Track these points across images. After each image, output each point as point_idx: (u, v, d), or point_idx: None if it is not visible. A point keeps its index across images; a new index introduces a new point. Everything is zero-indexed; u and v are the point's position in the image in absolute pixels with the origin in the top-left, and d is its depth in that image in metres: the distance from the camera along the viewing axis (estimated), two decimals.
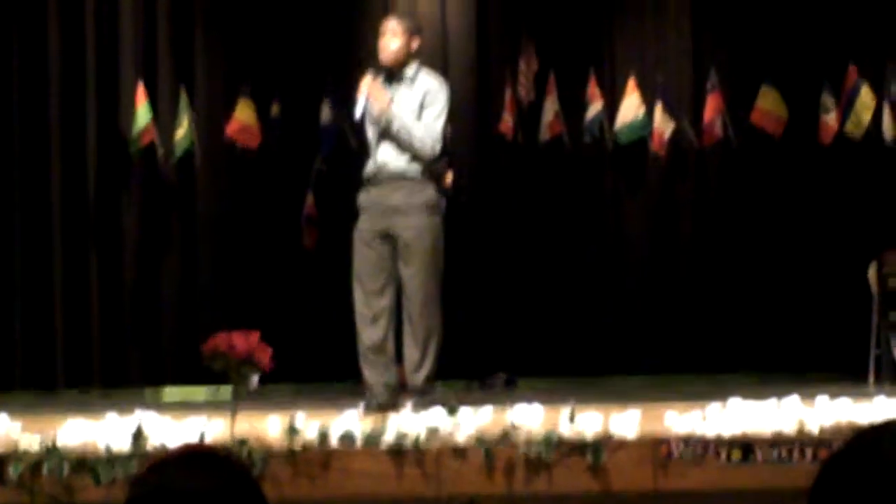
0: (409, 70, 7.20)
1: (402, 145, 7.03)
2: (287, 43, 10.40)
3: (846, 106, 10.20)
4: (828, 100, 10.21)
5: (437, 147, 7.12)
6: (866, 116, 10.14)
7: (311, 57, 10.36)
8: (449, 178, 7.32)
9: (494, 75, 10.52)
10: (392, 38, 7.15)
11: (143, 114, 10.18)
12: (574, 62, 10.47)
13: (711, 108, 10.33)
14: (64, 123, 10.36)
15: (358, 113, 7.11)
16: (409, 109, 7.09)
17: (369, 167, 7.17)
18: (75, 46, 10.42)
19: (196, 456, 2.33)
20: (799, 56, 10.34)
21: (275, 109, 10.30)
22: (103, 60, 10.43)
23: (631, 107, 10.33)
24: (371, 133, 7.20)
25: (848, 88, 10.20)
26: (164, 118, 10.32)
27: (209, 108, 10.46)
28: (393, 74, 7.18)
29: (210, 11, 10.54)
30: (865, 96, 10.13)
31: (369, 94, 7.05)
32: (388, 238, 7.07)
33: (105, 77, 10.42)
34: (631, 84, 10.34)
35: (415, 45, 7.22)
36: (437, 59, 10.30)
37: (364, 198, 7.19)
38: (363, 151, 7.36)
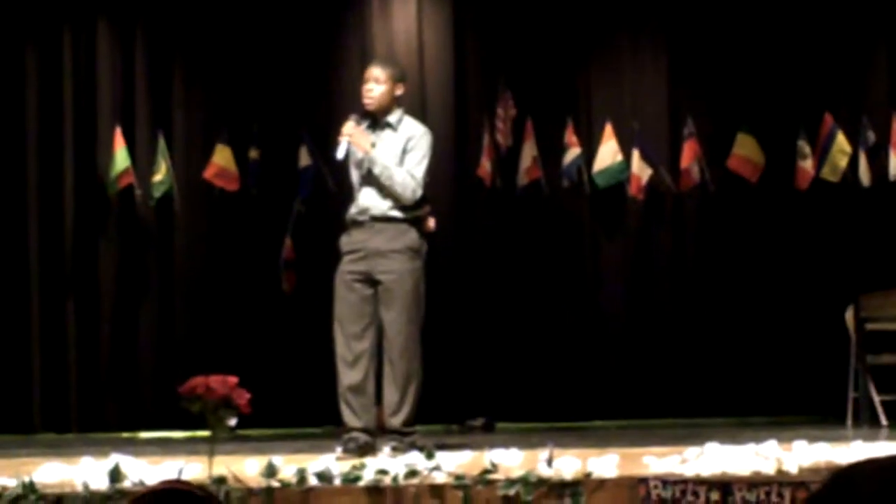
0: (393, 117, 7.22)
1: (384, 189, 7.05)
2: (264, 87, 10.43)
3: (822, 152, 10.27)
4: (804, 146, 10.28)
5: (419, 192, 7.15)
6: (842, 162, 10.21)
7: (289, 101, 10.39)
8: (431, 223, 7.33)
9: (472, 121, 10.56)
10: (376, 85, 7.18)
11: (121, 158, 10.19)
12: (551, 109, 10.52)
13: (688, 153, 10.39)
14: (41, 167, 10.36)
15: (340, 154, 7.14)
16: (391, 154, 7.11)
17: (352, 210, 7.18)
18: (53, 91, 10.42)
19: (174, 493, 2.30)
20: (775, 103, 10.42)
21: (253, 153, 10.32)
22: (81, 105, 10.44)
23: (608, 152, 10.38)
24: (354, 176, 7.22)
25: (824, 135, 10.27)
26: (141, 163, 10.32)
27: (187, 153, 10.47)
28: (377, 121, 7.21)
29: (187, 57, 10.56)
30: (841, 143, 10.21)
31: (351, 138, 7.07)
32: (370, 281, 7.08)
33: (83, 122, 10.42)
34: (608, 130, 10.39)
35: (398, 91, 7.25)
36: (415, 105, 10.33)
37: (346, 241, 7.20)
38: (344, 193, 7.36)
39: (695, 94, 10.62)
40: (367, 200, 7.10)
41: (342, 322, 7.10)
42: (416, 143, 7.18)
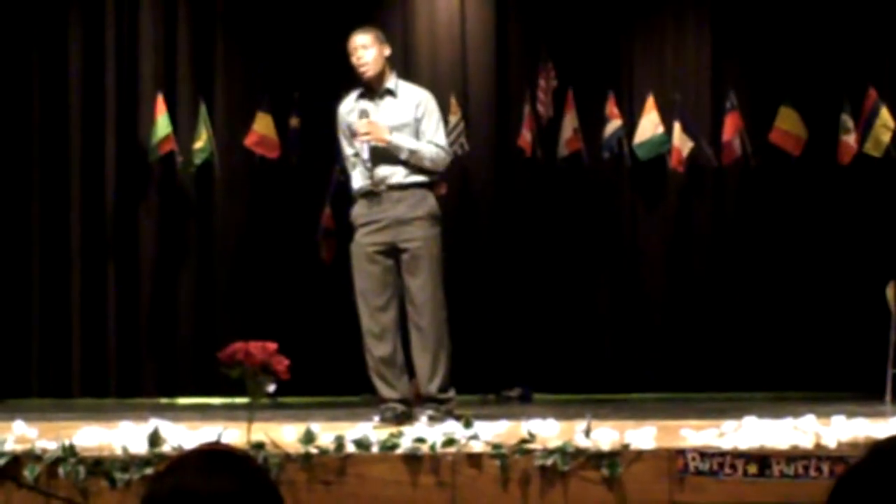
0: (390, 82, 7.14)
1: (415, 167, 6.99)
2: (306, 55, 10.43)
3: (865, 127, 10.20)
4: (847, 120, 10.21)
5: (448, 158, 7.14)
6: (885, 137, 10.13)
7: (330, 70, 10.35)
8: (443, 188, 7.30)
9: (513, 92, 10.53)
10: (365, 51, 7.08)
11: (162, 125, 10.22)
12: (593, 80, 10.48)
13: (730, 127, 10.34)
14: (84, 134, 10.42)
15: (365, 155, 7.03)
16: (399, 120, 7.02)
17: (363, 182, 7.05)
18: (96, 58, 10.47)
19: (214, 456, 2.30)
20: (818, 77, 10.35)
21: (294, 121, 10.34)
22: (123, 72, 10.48)
23: (650, 124, 10.34)
24: (353, 149, 7.12)
25: (867, 109, 10.19)
26: (183, 130, 10.36)
27: (228, 120, 10.50)
28: (374, 90, 7.11)
29: (230, 24, 10.58)
30: (884, 117, 10.13)
31: (370, 137, 6.97)
32: (393, 251, 7.02)
33: (125, 89, 10.47)
34: (650, 102, 10.35)
35: (387, 51, 7.16)
36: (457, 75, 10.36)
37: (361, 213, 7.08)
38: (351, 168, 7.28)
39: (737, 66, 10.57)
40: (383, 170, 7.00)
41: (366, 295, 7.05)
42: (425, 109, 7.10)
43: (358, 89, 7.18)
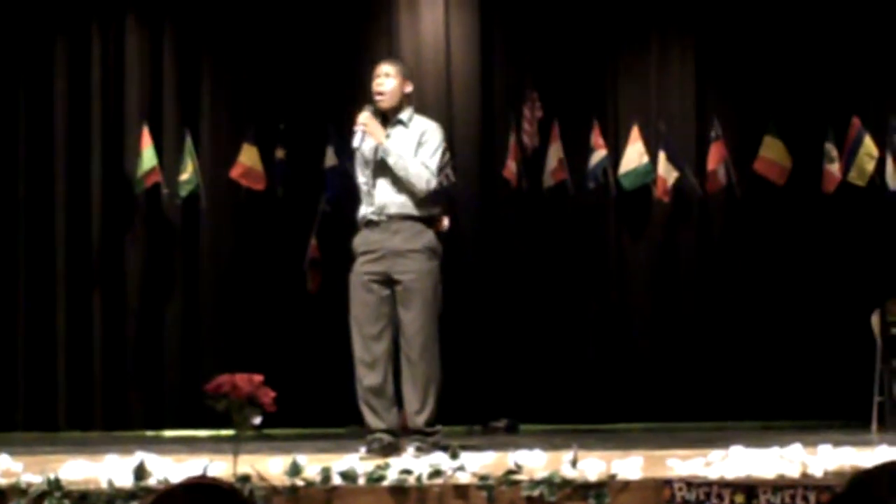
0: (404, 114, 7.19)
1: (398, 179, 7.00)
2: (291, 88, 10.47)
3: (849, 156, 10.24)
4: (831, 149, 10.25)
5: (433, 182, 7.09)
6: (869, 166, 10.18)
7: (316, 101, 10.42)
8: (445, 222, 7.30)
9: (499, 122, 10.57)
10: (386, 79, 7.15)
11: (148, 157, 10.24)
12: (578, 110, 10.52)
13: (715, 156, 10.38)
14: (70, 165, 10.43)
15: (356, 143, 7.09)
16: (406, 149, 7.08)
17: (366, 210, 7.10)
18: (81, 90, 10.49)
19: (200, 489, 2.30)
20: (802, 106, 10.40)
21: (279, 153, 10.36)
22: (109, 104, 10.51)
23: (634, 154, 10.37)
24: (364, 177, 7.15)
25: (851, 138, 10.24)
26: (168, 161, 10.38)
27: (214, 152, 10.51)
28: (388, 118, 7.17)
29: (215, 56, 10.61)
30: (868, 146, 10.18)
31: (366, 128, 7.04)
32: (388, 282, 7.03)
33: (111, 120, 10.49)
34: (635, 132, 10.39)
35: (408, 88, 7.22)
36: (442, 105, 10.37)
37: (361, 241, 7.13)
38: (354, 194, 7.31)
39: (721, 96, 10.62)
40: (383, 198, 7.04)
41: (360, 323, 7.06)
42: (429, 136, 7.14)
43: (380, 117, 7.20)
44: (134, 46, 10.56)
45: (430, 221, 7.10)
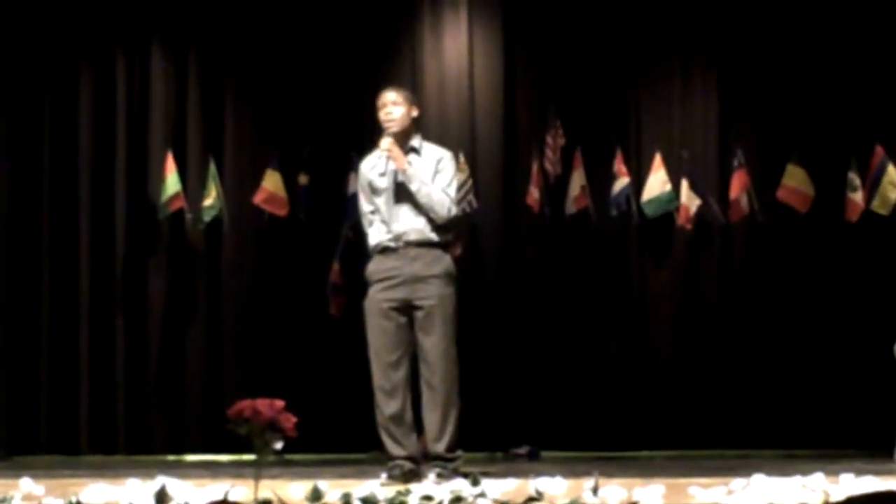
0: (415, 141, 7.20)
1: (418, 205, 7.02)
2: (315, 113, 10.51)
3: (872, 184, 10.23)
4: (854, 178, 10.23)
5: (454, 210, 7.11)
6: (893, 195, 10.17)
7: (339, 127, 10.45)
8: (458, 249, 7.32)
9: (522, 150, 10.58)
10: (394, 108, 7.16)
11: (172, 182, 10.28)
12: (601, 138, 10.53)
13: (737, 184, 10.38)
14: (94, 191, 10.49)
15: (382, 168, 7.10)
16: (424, 176, 7.08)
17: (381, 237, 7.10)
18: (106, 116, 10.56)
19: None
20: (825, 134, 10.39)
21: (302, 179, 10.40)
22: (133, 129, 10.57)
23: (657, 182, 10.38)
24: (379, 203, 7.16)
25: (874, 167, 10.23)
26: (192, 187, 10.42)
27: (237, 178, 10.56)
28: (400, 146, 7.16)
29: (239, 82, 10.66)
30: (892, 174, 10.17)
31: (389, 154, 7.06)
32: (407, 308, 7.04)
33: (135, 146, 10.54)
34: (657, 160, 10.39)
35: (414, 113, 7.23)
36: (465, 133, 10.40)
37: (376, 269, 7.12)
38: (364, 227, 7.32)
39: (744, 124, 10.61)
40: (402, 226, 7.05)
41: (378, 352, 7.05)
42: (444, 165, 7.16)
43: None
44: (158, 72, 10.63)
45: (446, 247, 7.12)
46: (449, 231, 7.13)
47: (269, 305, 10.40)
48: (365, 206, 7.21)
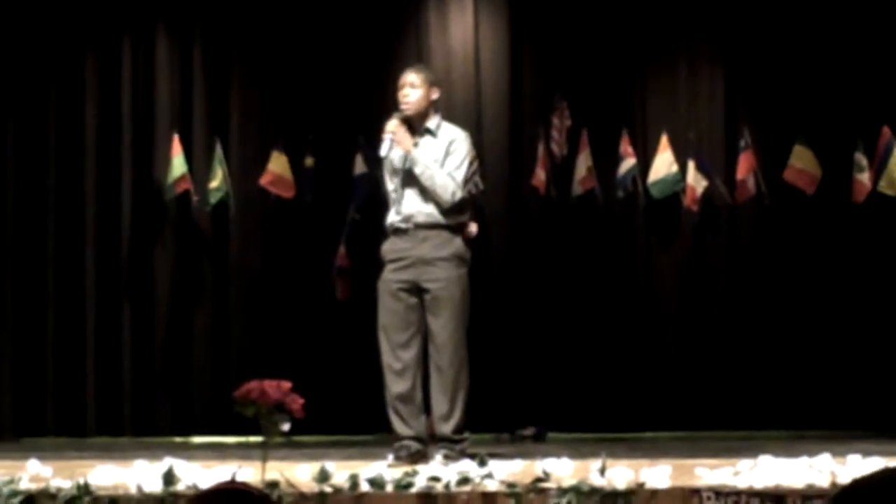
0: (432, 122, 7.22)
1: (425, 189, 7.03)
2: (321, 95, 10.49)
3: (879, 165, 10.21)
4: (861, 159, 10.21)
5: (458, 194, 7.11)
6: None
7: (345, 109, 10.44)
8: (473, 228, 7.31)
9: (528, 131, 10.55)
10: (412, 89, 7.18)
11: (178, 164, 10.26)
12: (607, 119, 10.50)
13: (744, 165, 10.35)
14: (100, 173, 10.47)
15: (383, 151, 7.14)
16: (433, 159, 7.10)
17: (393, 218, 7.15)
18: (112, 98, 10.53)
19: (232, 493, 2.31)
20: (832, 115, 10.36)
21: (308, 161, 10.38)
22: (139, 112, 10.54)
23: (664, 163, 10.36)
24: (392, 184, 7.20)
25: (881, 148, 10.20)
26: (198, 169, 10.40)
27: (243, 160, 10.54)
28: (415, 127, 7.19)
29: (245, 65, 10.64)
30: None
31: (394, 136, 7.07)
32: (416, 290, 7.06)
33: (141, 128, 10.52)
34: (664, 141, 10.37)
35: (434, 95, 7.25)
36: (471, 114, 10.37)
37: (389, 249, 7.17)
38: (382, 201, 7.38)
39: (751, 105, 10.59)
40: (410, 207, 7.08)
41: (388, 331, 7.09)
42: (457, 146, 7.18)
43: (407, 125, 7.22)
44: (164, 56, 10.61)
45: (458, 229, 7.13)
46: (461, 213, 7.14)
47: (276, 287, 10.40)
48: (388, 184, 7.27)
